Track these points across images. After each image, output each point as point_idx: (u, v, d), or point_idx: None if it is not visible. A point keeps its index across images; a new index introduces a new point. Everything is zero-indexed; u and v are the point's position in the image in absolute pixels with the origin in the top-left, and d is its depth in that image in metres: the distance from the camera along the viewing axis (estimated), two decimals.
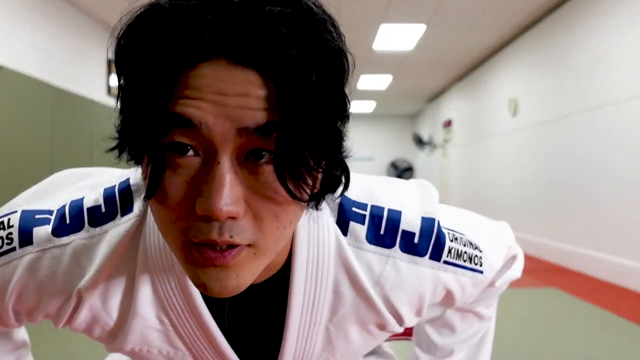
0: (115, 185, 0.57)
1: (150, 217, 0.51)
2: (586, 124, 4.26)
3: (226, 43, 0.36)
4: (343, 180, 0.46)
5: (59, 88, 4.47)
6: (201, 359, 0.56)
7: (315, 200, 0.44)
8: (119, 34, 0.43)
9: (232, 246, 0.40)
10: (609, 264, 3.88)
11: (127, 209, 0.52)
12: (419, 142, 10.84)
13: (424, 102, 10.69)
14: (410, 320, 0.57)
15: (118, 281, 0.52)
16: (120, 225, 0.51)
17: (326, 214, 0.52)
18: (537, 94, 5.25)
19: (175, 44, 0.36)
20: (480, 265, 0.60)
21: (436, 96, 9.86)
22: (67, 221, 0.52)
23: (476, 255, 0.59)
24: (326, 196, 0.45)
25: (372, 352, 0.81)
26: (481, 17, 5.16)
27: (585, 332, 2.63)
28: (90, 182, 0.59)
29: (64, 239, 0.51)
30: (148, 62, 0.38)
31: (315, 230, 0.51)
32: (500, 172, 6.30)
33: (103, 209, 0.53)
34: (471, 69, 7.47)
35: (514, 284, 3.35)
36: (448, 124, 8.89)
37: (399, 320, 0.56)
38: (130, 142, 0.47)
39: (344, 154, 0.44)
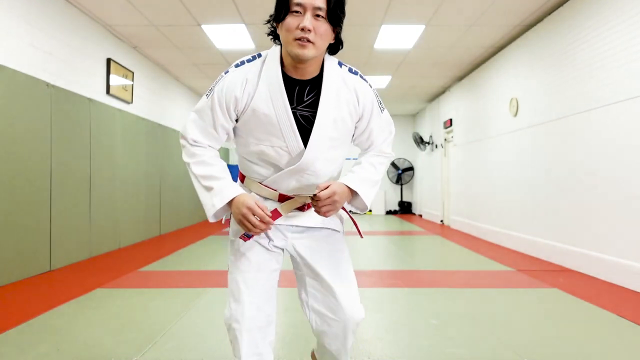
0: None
1: (269, 55, 1.34)
2: (586, 124, 4.25)
3: None
4: (341, 46, 1.37)
5: (58, 87, 4.46)
6: (279, 123, 1.30)
7: (335, 44, 1.35)
8: None
9: (308, 41, 1.23)
10: (609, 264, 3.88)
11: (259, 56, 1.36)
12: (420, 141, 10.83)
13: (424, 102, 10.68)
14: (360, 101, 1.37)
15: (253, 74, 1.32)
16: (259, 59, 1.34)
17: (334, 62, 1.37)
18: (537, 94, 5.24)
19: None
20: (383, 107, 1.44)
21: (437, 96, 9.86)
22: (238, 63, 1.36)
23: (381, 103, 1.44)
24: (331, 53, 1.39)
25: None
26: (481, 17, 5.16)
27: (585, 332, 2.62)
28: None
29: (238, 67, 1.35)
30: None
31: (331, 64, 1.36)
32: (501, 171, 6.29)
33: (250, 57, 1.35)
34: (472, 68, 7.46)
35: (514, 284, 3.36)
36: (448, 123, 8.88)
37: (357, 99, 1.36)
38: (277, 9, 1.27)
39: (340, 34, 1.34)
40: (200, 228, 8.27)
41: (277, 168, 1.36)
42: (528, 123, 5.46)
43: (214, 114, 1.31)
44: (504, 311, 3.05)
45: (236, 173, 1.58)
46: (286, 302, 3.05)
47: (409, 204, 12.37)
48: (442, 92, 9.35)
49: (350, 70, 1.38)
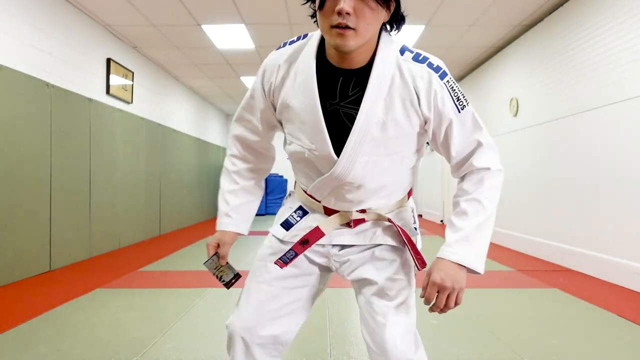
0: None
1: (312, 37, 1.11)
2: (586, 124, 4.25)
3: None
4: (403, 20, 1.05)
5: (58, 87, 4.46)
6: (309, 118, 1.06)
7: (391, 22, 1.05)
8: None
9: (347, 27, 0.94)
10: (609, 264, 3.88)
11: (304, 37, 1.12)
12: None
13: None
14: (423, 101, 1.04)
15: (285, 59, 1.11)
16: (301, 41, 1.12)
17: (395, 47, 1.06)
18: (537, 94, 5.24)
19: None
20: (464, 104, 1.07)
21: None
22: (281, 45, 1.14)
23: (461, 98, 1.07)
24: (392, 33, 1.08)
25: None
26: (481, 17, 5.16)
27: (585, 332, 2.62)
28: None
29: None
30: None
31: (387, 49, 1.04)
32: None
33: (295, 38, 1.13)
34: (472, 68, 7.47)
35: (514, 284, 3.36)
36: None
37: (418, 95, 1.03)
38: None
39: (402, 11, 1.04)
40: (200, 228, 8.27)
41: (314, 174, 1.13)
42: (528, 123, 5.46)
43: (258, 103, 1.16)
44: (504, 311, 3.05)
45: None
46: None
47: None
48: None
49: (417, 57, 1.05)
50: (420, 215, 11.46)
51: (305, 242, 1.15)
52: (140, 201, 6.40)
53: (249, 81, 8.27)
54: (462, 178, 1.13)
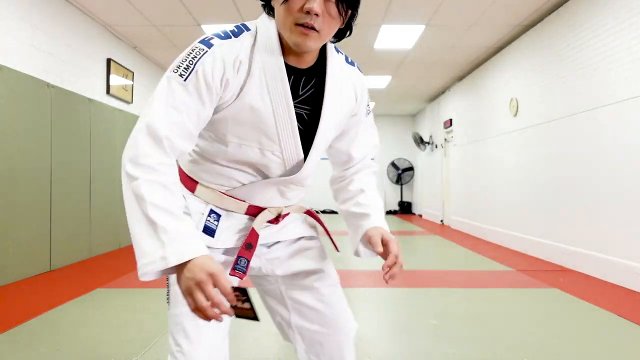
0: (236, 26, 1.02)
1: (260, 29, 1.01)
2: (586, 124, 4.25)
3: None
4: (349, 32, 1.05)
5: (58, 88, 4.46)
6: (278, 119, 1.00)
7: (344, 29, 1.02)
8: None
9: (312, 28, 0.92)
10: (610, 264, 3.88)
11: (246, 29, 1.01)
12: (420, 141, 10.83)
13: (424, 102, 10.68)
14: (358, 94, 1.13)
15: (245, 54, 0.98)
16: (247, 33, 1.00)
17: (333, 47, 1.09)
18: (537, 94, 5.24)
19: None
20: (370, 108, 1.21)
21: (437, 96, 9.85)
22: (221, 34, 0.98)
23: (369, 103, 1.21)
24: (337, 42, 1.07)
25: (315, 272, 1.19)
26: (481, 17, 5.16)
27: (586, 332, 2.62)
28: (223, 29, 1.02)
29: (224, 41, 0.97)
30: None
31: (332, 51, 1.08)
32: (501, 172, 6.29)
33: (235, 30, 1.00)
34: (472, 68, 7.46)
35: (514, 284, 3.36)
36: (448, 123, 8.88)
37: (356, 96, 1.13)
38: None
39: (352, 23, 1.03)
40: None
41: (258, 176, 1.07)
42: (528, 123, 5.46)
43: (195, 101, 0.93)
44: (504, 311, 3.05)
45: None
46: None
47: (409, 204, 12.37)
48: (442, 92, 9.35)
49: (348, 59, 1.12)
50: (420, 215, 11.46)
51: (249, 246, 1.07)
52: None
53: None
54: (353, 170, 1.23)
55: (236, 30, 0.99)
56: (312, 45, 0.94)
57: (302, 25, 0.91)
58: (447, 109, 9.06)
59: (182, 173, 1.11)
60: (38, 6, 4.20)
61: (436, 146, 9.96)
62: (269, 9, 1.00)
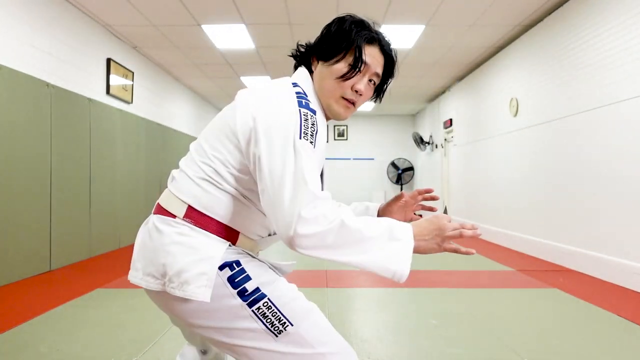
0: (296, 94, 1.08)
1: (307, 91, 1.12)
2: (586, 124, 4.25)
3: (381, 42, 1.18)
4: (378, 100, 1.28)
5: (58, 87, 4.46)
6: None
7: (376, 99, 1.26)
8: (344, 21, 1.20)
9: (353, 103, 1.12)
10: (609, 264, 3.88)
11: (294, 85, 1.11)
12: (420, 141, 10.83)
13: (424, 102, 10.68)
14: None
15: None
16: (296, 87, 1.10)
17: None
18: (537, 94, 5.24)
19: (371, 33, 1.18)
20: None
21: (437, 96, 9.85)
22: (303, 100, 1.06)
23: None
24: None
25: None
26: (481, 17, 5.16)
27: (585, 332, 2.62)
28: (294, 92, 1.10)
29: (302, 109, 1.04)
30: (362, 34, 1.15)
31: None
32: (501, 172, 6.29)
33: (302, 92, 1.09)
34: (472, 68, 7.46)
35: (514, 284, 3.33)
36: (448, 123, 8.88)
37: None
38: (333, 48, 1.13)
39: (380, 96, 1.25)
40: None
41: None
42: (528, 123, 5.46)
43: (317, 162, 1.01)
44: (504, 311, 3.05)
45: None
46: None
47: None
48: (442, 92, 9.35)
49: None
50: (420, 216, 11.44)
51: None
52: (140, 201, 6.40)
53: (249, 81, 8.26)
54: None
55: (302, 93, 1.08)
56: (349, 116, 1.14)
57: (348, 100, 1.10)
58: (447, 109, 9.06)
59: (217, 224, 1.08)
60: (38, 6, 4.20)
61: (436, 146, 9.96)
62: (302, 64, 1.18)
